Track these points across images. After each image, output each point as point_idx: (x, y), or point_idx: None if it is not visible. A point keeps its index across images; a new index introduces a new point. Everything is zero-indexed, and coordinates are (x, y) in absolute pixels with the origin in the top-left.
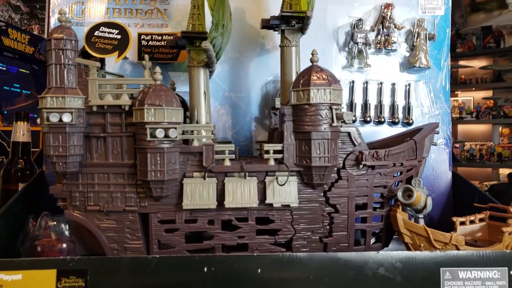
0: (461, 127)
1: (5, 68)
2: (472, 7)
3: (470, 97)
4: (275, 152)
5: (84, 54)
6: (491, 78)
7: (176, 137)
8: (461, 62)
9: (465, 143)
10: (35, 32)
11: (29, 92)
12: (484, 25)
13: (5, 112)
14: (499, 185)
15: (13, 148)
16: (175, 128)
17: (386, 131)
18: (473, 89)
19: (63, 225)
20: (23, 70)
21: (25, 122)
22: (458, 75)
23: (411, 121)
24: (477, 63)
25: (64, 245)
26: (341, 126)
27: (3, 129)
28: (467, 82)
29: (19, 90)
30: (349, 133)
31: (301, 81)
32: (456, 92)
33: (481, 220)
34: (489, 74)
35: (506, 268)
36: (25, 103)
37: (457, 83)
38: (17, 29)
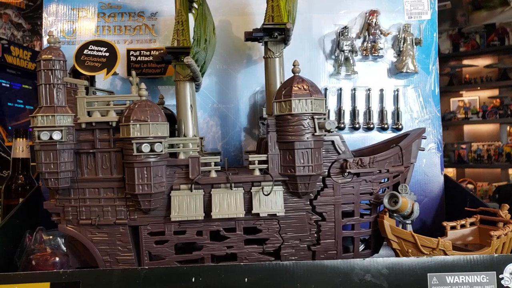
0: (467, 128)
1: (8, 85)
2: (474, 5)
3: (475, 97)
4: (260, 162)
5: (74, 72)
6: (497, 76)
7: (161, 151)
8: (465, 61)
9: (472, 143)
10: (37, 48)
11: (32, 108)
12: (487, 23)
13: (10, 127)
14: (506, 186)
15: (13, 164)
16: (161, 142)
17: (375, 137)
18: (478, 88)
19: (59, 239)
20: (26, 86)
21: (24, 139)
22: (462, 74)
23: (400, 127)
24: (482, 62)
25: (57, 259)
26: (324, 135)
27: (7, 144)
28: (472, 81)
29: (22, 106)
30: (332, 142)
31: (283, 92)
32: (460, 92)
33: (472, 224)
34: (494, 73)
35: (495, 272)
36: (29, 118)
37: (462, 82)
38: (19, 46)
